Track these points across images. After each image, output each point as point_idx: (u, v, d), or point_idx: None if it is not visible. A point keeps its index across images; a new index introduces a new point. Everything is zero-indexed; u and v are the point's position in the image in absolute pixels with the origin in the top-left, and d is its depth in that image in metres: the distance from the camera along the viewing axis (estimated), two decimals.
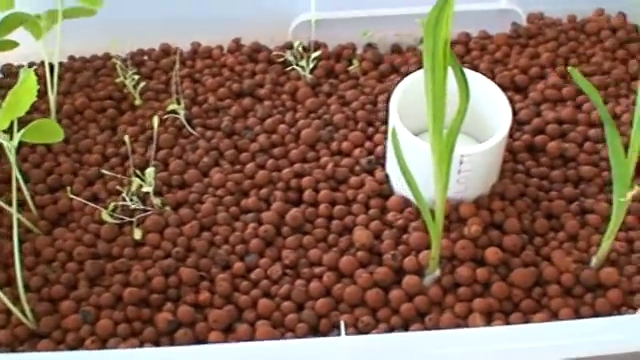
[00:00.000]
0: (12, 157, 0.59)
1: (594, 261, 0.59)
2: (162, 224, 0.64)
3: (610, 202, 0.62)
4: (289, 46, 0.81)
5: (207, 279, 0.61)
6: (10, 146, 0.59)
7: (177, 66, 0.76)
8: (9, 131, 0.59)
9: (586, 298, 0.57)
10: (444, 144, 0.50)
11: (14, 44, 0.74)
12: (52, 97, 0.73)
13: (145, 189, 0.65)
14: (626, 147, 0.53)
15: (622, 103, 0.72)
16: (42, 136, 0.62)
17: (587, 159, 0.67)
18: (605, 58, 0.77)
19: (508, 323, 0.56)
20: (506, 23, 0.82)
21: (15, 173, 0.60)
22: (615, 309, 0.57)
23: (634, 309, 0.56)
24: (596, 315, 0.56)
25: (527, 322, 0.56)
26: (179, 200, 0.67)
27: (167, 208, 0.66)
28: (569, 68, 0.48)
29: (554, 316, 0.56)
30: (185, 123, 0.72)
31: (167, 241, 0.64)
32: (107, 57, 0.81)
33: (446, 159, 0.51)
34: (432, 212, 0.55)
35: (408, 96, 0.64)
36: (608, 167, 0.66)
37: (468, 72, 0.52)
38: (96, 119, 0.75)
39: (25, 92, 0.58)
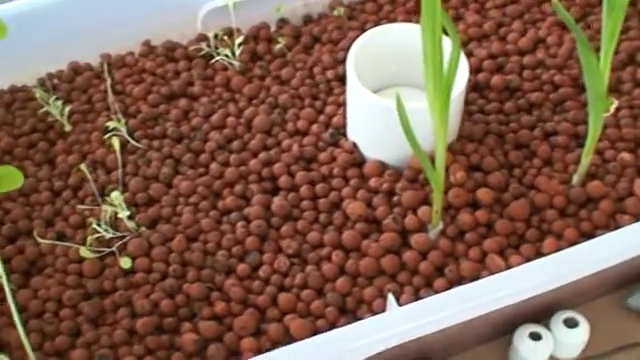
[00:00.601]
0: None
1: (576, 179, 0.62)
2: (146, 246, 0.62)
3: (568, 121, 0.66)
4: (202, 38, 0.78)
5: (215, 289, 0.60)
6: None
7: (108, 81, 0.72)
8: None
9: (581, 214, 0.61)
10: (444, 97, 0.51)
11: None
12: None
13: (120, 214, 0.62)
14: None
15: (542, 27, 0.75)
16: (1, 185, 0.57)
17: (531, 86, 0.70)
18: None
19: (522, 256, 0.58)
20: None
21: None
22: (610, 218, 0.60)
23: (628, 214, 0.60)
24: (596, 228, 0.60)
25: (537, 250, 0.59)
26: (152, 217, 0.64)
27: (143, 229, 0.63)
28: (553, 1, 0.50)
29: (560, 238, 0.59)
30: (129, 138, 0.69)
31: (158, 262, 0.61)
32: (15, 89, 0.76)
33: (445, 111, 0.52)
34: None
35: (360, 59, 0.64)
36: (553, 89, 0.70)
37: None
38: (28, 156, 0.70)
39: None
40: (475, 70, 0.72)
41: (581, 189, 0.61)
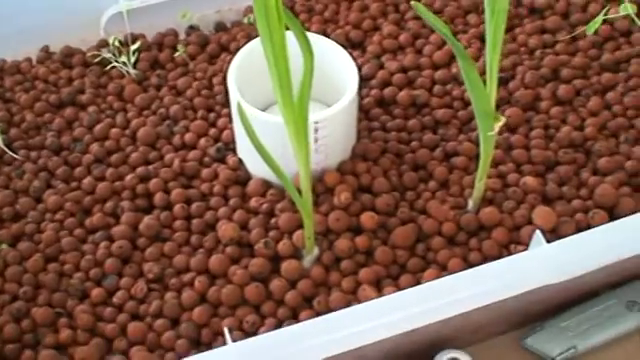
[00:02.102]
0: None
1: (471, 204, 0.57)
2: (1, 265, 0.57)
3: (472, 141, 0.60)
4: (103, 44, 0.73)
5: (65, 315, 0.54)
6: None
7: None
8: None
9: (471, 243, 0.55)
10: (297, 112, 0.46)
11: None
12: None
13: None
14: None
15: (462, 39, 0.70)
16: None
17: (440, 102, 0.65)
18: None
19: (399, 287, 0.52)
20: None
21: None
22: (503, 248, 0.54)
23: (523, 244, 0.54)
24: (485, 259, 0.54)
25: (418, 281, 0.53)
26: (15, 234, 0.59)
27: (4, 246, 0.58)
28: (412, 3, 0.45)
29: (444, 269, 0.54)
30: (5, 148, 0.64)
31: (10, 282, 0.56)
32: None
33: (302, 128, 0.47)
34: (297, 189, 0.50)
35: (245, 71, 0.59)
36: (462, 106, 0.64)
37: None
38: None
39: None
40: (383, 84, 0.66)
41: (473, 216, 0.55)
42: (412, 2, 0.45)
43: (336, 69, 0.59)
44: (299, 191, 0.50)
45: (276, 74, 0.44)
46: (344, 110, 0.56)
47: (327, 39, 0.61)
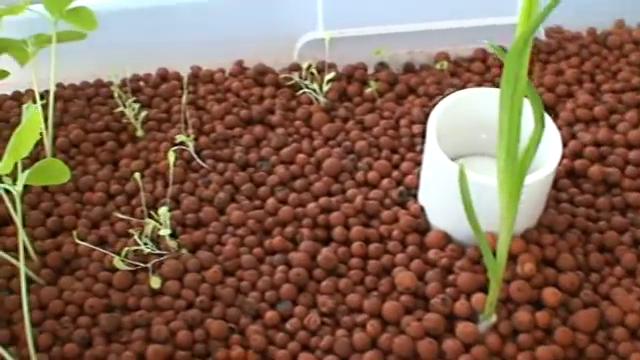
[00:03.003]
0: (18, 204, 0.52)
1: None
2: (181, 270, 0.59)
3: None
4: (295, 67, 0.75)
5: (237, 331, 0.56)
6: (15, 191, 0.52)
7: (185, 94, 0.70)
8: (11, 174, 0.52)
9: None
10: (516, 179, 0.45)
11: (4, 74, 0.67)
12: (48, 131, 0.66)
13: (162, 232, 0.59)
14: None
15: None
16: (47, 178, 0.56)
17: (632, 184, 0.63)
18: (632, 73, 0.73)
19: None
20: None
21: (19, 221, 0.53)
22: None
23: None
24: None
25: None
26: (196, 241, 0.61)
27: (184, 251, 0.60)
28: None
29: None
30: (195, 156, 0.67)
31: (188, 289, 0.58)
32: (100, 84, 0.75)
33: (516, 194, 0.46)
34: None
35: (443, 121, 0.59)
36: None
37: None
38: (94, 153, 0.69)
39: (29, 132, 0.52)
40: (574, 155, 0.65)
41: None
42: None
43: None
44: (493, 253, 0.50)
45: (506, 141, 0.44)
46: (547, 178, 0.55)
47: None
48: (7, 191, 0.54)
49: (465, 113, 0.61)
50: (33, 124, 0.52)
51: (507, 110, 0.43)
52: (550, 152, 0.56)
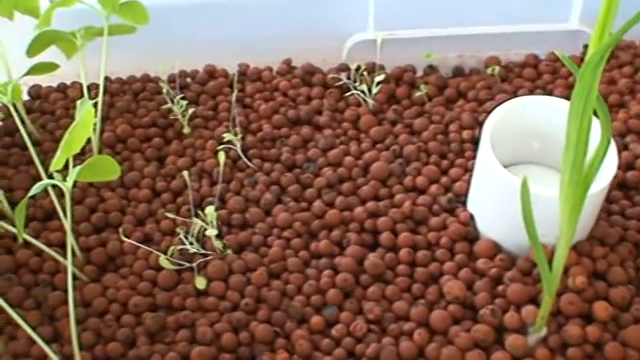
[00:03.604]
0: (67, 201, 0.52)
1: None
2: (226, 271, 0.58)
3: None
4: (344, 68, 0.74)
5: (282, 335, 0.55)
6: (65, 188, 0.52)
7: (235, 92, 0.70)
8: (61, 170, 0.52)
9: None
10: (580, 191, 0.44)
11: (52, 66, 0.67)
12: (95, 126, 0.66)
13: (208, 232, 0.58)
14: None
15: None
16: (98, 174, 0.56)
17: None
18: None
19: None
20: (576, 45, 0.76)
21: (68, 219, 0.53)
22: None
23: None
24: None
25: None
26: (241, 242, 0.61)
27: (229, 252, 0.60)
28: None
29: None
30: (241, 155, 0.66)
31: (233, 290, 0.57)
32: (147, 79, 0.75)
33: (579, 207, 0.45)
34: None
35: (498, 128, 0.58)
36: None
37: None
38: (141, 149, 0.68)
39: (82, 129, 0.51)
40: (625, 166, 0.64)
41: None
42: None
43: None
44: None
45: (572, 153, 0.43)
46: (602, 191, 0.54)
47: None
48: (53, 185, 0.53)
49: (518, 121, 0.60)
50: (86, 121, 0.52)
51: (577, 123, 0.42)
52: (606, 163, 0.55)
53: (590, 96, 0.40)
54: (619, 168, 0.63)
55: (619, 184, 0.63)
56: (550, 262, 0.49)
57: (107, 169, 0.56)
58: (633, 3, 0.47)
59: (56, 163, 0.50)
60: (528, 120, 0.60)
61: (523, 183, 0.44)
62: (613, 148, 0.56)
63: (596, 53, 0.38)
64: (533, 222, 0.45)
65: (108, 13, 0.66)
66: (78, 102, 0.53)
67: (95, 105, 0.64)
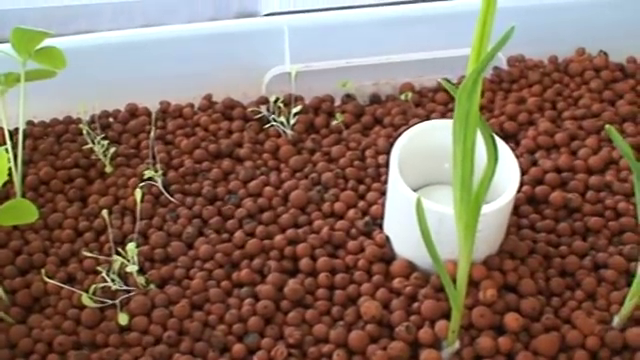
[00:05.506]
0: None
1: (616, 320, 0.56)
2: (149, 305, 0.59)
3: (623, 255, 0.60)
4: (263, 101, 0.76)
5: None
6: None
7: (153, 130, 0.71)
8: None
9: None
10: (472, 209, 0.47)
11: None
12: (17, 170, 0.67)
13: (129, 268, 0.59)
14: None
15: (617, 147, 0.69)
16: (16, 217, 0.56)
17: (592, 209, 0.64)
18: (592, 100, 0.75)
19: None
20: (488, 66, 0.79)
21: None
22: None
23: None
24: None
25: None
26: (164, 276, 0.62)
27: (152, 286, 0.61)
28: (607, 126, 0.46)
29: None
30: (163, 190, 0.67)
31: (156, 324, 0.58)
32: (69, 121, 0.76)
33: (472, 224, 0.48)
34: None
35: (406, 152, 0.60)
36: (614, 216, 0.64)
37: None
38: (63, 190, 0.69)
39: None
40: (535, 182, 0.67)
41: (619, 334, 0.55)
42: (607, 126, 0.45)
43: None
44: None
45: (460, 173, 0.45)
46: (504, 207, 0.56)
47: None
48: None
49: (427, 144, 0.62)
50: (1, 167, 0.52)
51: (460, 144, 0.44)
52: (509, 181, 0.58)
53: (469, 118, 0.42)
54: (528, 184, 0.66)
55: (529, 199, 0.66)
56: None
57: (25, 212, 0.57)
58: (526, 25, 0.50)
59: None
60: (437, 142, 0.63)
61: (418, 202, 0.46)
62: (515, 167, 0.58)
63: (468, 79, 0.41)
64: (431, 240, 0.47)
65: (24, 59, 0.67)
66: None
67: (16, 149, 0.66)
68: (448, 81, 0.77)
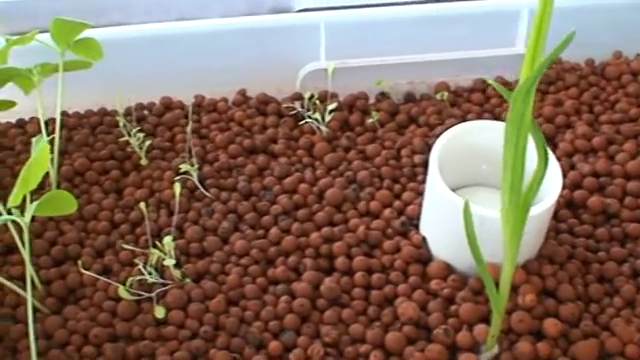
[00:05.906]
0: (26, 236, 0.53)
1: None
2: (185, 299, 0.59)
3: None
4: (298, 97, 0.76)
5: None
6: (23, 223, 0.53)
7: (190, 124, 0.71)
8: (20, 205, 0.53)
9: None
10: (520, 213, 0.46)
11: (10, 104, 0.68)
12: (53, 160, 0.67)
13: (166, 262, 0.59)
14: None
15: None
16: (55, 209, 0.56)
17: (630, 215, 0.64)
18: (630, 104, 0.74)
19: None
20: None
21: (27, 253, 0.54)
22: None
23: None
24: None
25: None
26: (200, 271, 0.61)
27: (188, 280, 0.61)
28: None
29: None
30: (198, 184, 0.67)
31: (192, 319, 0.58)
32: (104, 112, 0.76)
33: (519, 228, 0.47)
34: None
35: (445, 152, 0.60)
36: None
37: None
38: (99, 181, 0.69)
39: (39, 165, 0.52)
40: (573, 186, 0.66)
41: None
42: None
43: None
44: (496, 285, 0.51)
45: (510, 177, 0.45)
46: (548, 210, 0.56)
47: None
48: (12, 220, 0.54)
49: (467, 145, 0.62)
50: (42, 158, 0.53)
51: (512, 147, 0.43)
52: (551, 184, 0.57)
53: (523, 122, 0.42)
54: (567, 187, 0.66)
55: (567, 203, 0.65)
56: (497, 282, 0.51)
57: (64, 204, 0.57)
58: (564, 28, 0.50)
59: (13, 199, 0.51)
60: (476, 143, 0.62)
61: (465, 205, 0.46)
62: (557, 169, 0.58)
63: (525, 82, 0.40)
64: (477, 244, 0.47)
65: (63, 50, 0.67)
66: (33, 139, 0.54)
67: (52, 140, 0.66)
68: (484, 81, 0.78)
